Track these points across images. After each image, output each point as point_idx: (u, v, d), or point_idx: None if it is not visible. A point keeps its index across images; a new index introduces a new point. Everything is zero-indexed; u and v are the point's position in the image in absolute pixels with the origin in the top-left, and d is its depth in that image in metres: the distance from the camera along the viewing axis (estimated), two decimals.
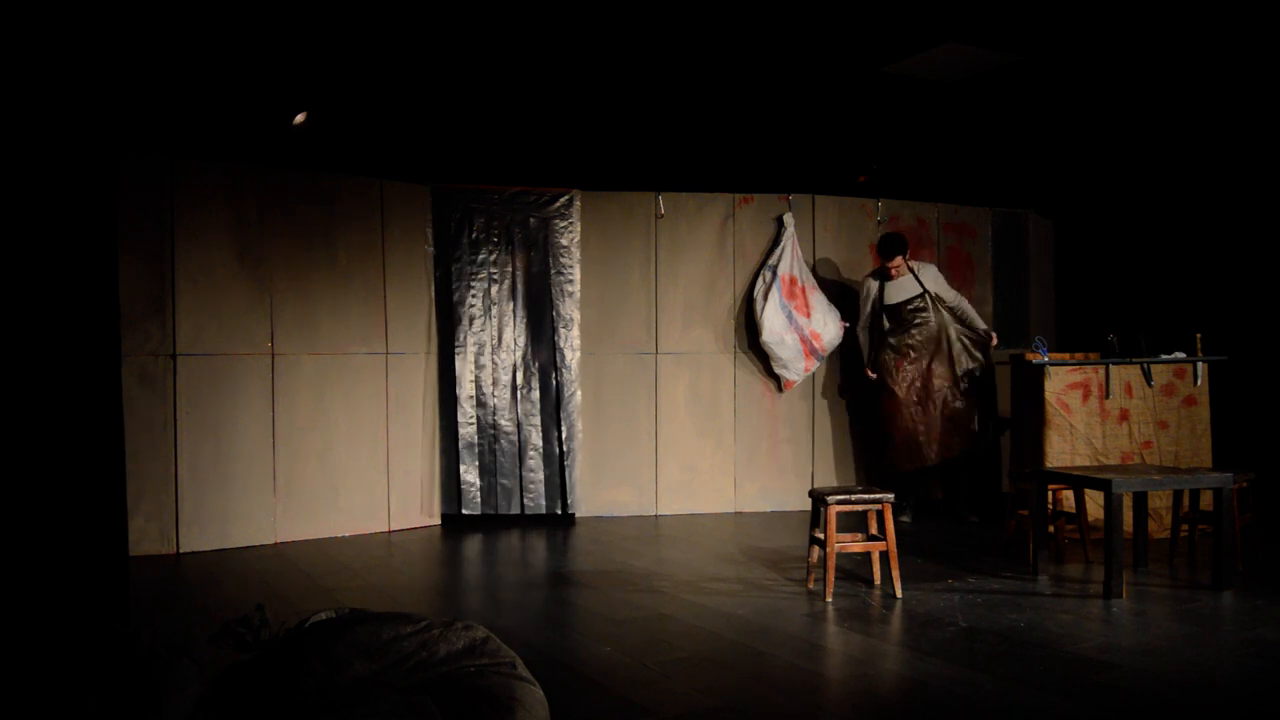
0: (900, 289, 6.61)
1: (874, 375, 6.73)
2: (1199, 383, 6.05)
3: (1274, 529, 5.92)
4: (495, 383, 6.71)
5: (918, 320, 6.57)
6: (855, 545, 4.72)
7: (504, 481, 6.69)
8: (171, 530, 5.72)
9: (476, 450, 6.65)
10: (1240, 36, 5.78)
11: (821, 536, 4.63)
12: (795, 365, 6.99)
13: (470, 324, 6.66)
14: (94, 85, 3.20)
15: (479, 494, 6.65)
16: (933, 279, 6.65)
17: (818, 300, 7.00)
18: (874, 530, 4.80)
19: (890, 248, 6.54)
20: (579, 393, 6.84)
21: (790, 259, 7.03)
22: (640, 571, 5.22)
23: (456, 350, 6.63)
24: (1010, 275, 7.85)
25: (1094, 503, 5.53)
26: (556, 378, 6.78)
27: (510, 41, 5.87)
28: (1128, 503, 5.19)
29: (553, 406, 6.78)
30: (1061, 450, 5.88)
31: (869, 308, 6.73)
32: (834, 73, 6.52)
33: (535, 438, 6.73)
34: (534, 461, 6.75)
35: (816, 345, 6.97)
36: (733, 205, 7.14)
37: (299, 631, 2.66)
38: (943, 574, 5.05)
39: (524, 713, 2.53)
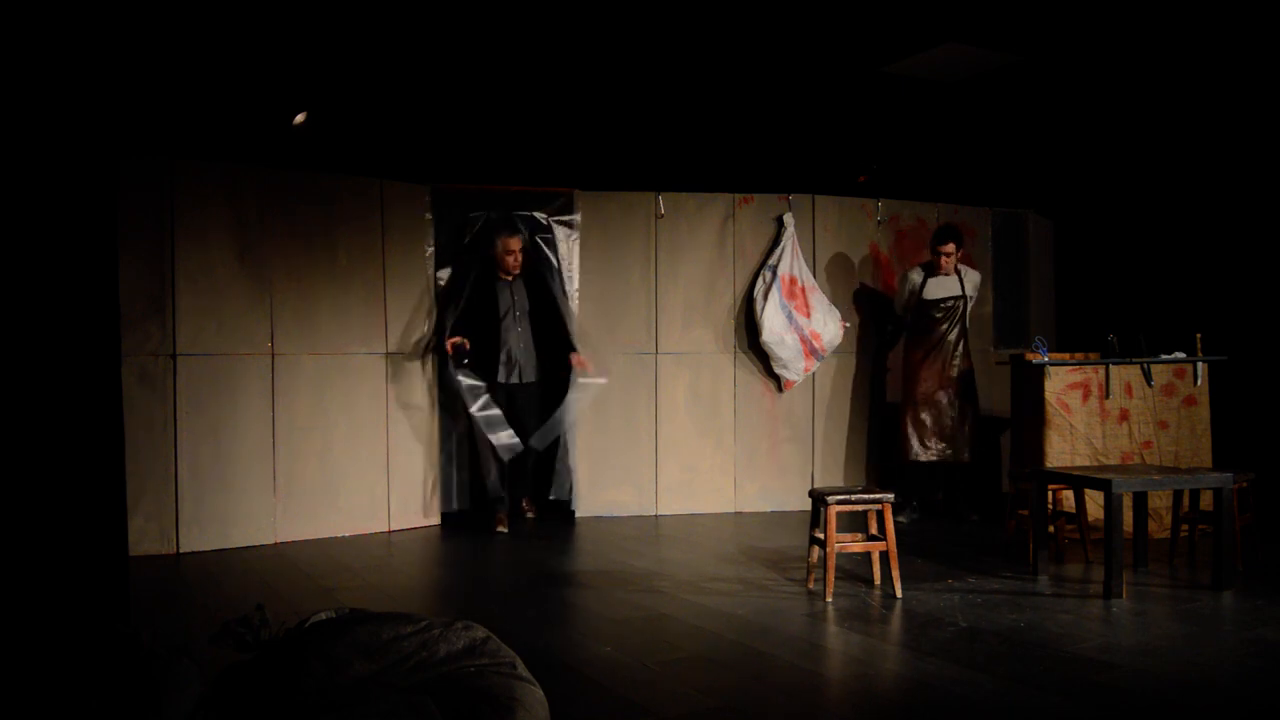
0: (942, 286, 6.63)
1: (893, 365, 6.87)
2: (1199, 383, 6.05)
3: (1274, 529, 5.92)
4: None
5: (948, 320, 6.60)
6: (855, 545, 4.72)
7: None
8: (171, 530, 5.72)
9: (476, 450, 6.64)
10: (1240, 36, 5.78)
11: (821, 536, 4.63)
12: (795, 365, 7.00)
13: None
14: (94, 85, 3.20)
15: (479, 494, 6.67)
16: (974, 286, 6.73)
17: (818, 300, 7.01)
18: (874, 530, 4.80)
19: (944, 235, 6.58)
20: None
21: (790, 259, 7.03)
22: (640, 571, 5.22)
23: None
24: (1010, 275, 7.85)
25: (1094, 503, 5.53)
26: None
27: (510, 41, 5.87)
28: (1128, 503, 5.18)
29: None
30: (1061, 450, 5.88)
31: (908, 299, 6.73)
32: (834, 73, 6.52)
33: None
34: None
35: (816, 345, 6.97)
36: (733, 205, 7.14)
37: (299, 631, 2.66)
38: (943, 574, 5.05)
39: (524, 713, 2.53)
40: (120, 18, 3.87)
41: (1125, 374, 5.97)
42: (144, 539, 5.60)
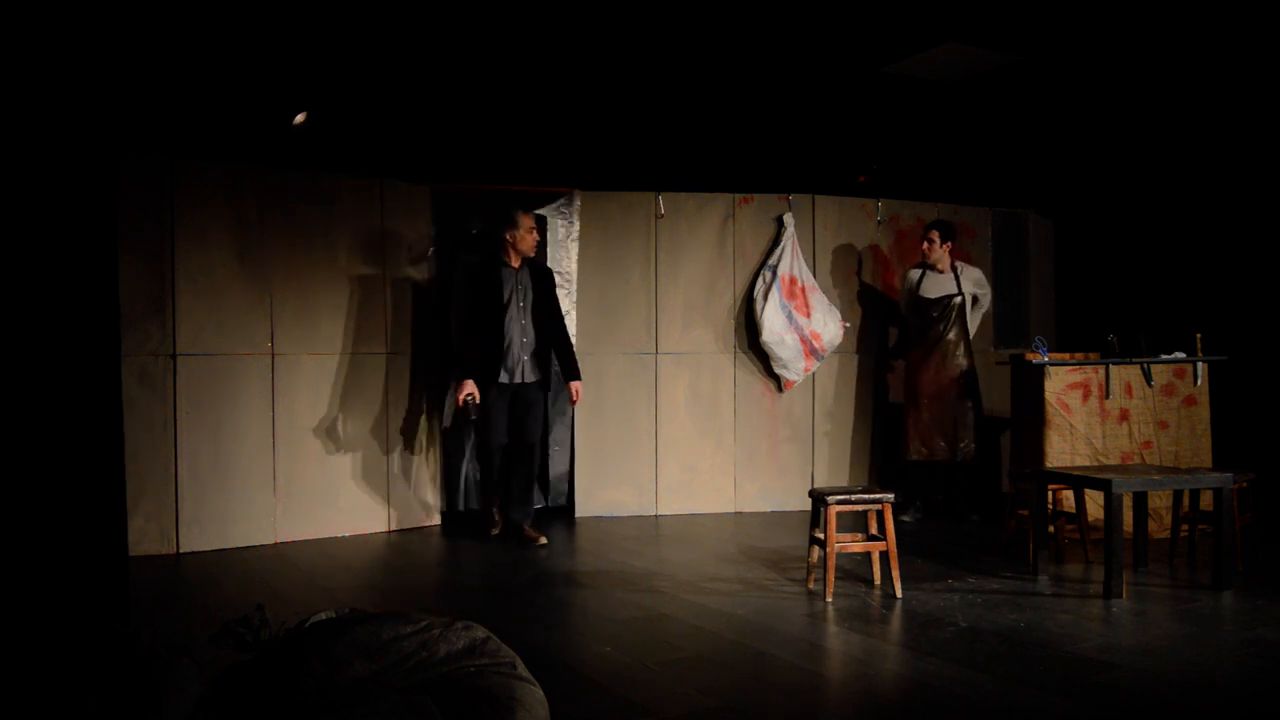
0: (938, 284, 6.66)
1: (896, 364, 6.89)
2: (1199, 383, 6.05)
3: (1274, 529, 5.92)
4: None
5: (945, 319, 6.60)
6: (855, 545, 4.72)
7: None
8: (171, 530, 5.72)
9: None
10: (1240, 37, 5.78)
11: (821, 536, 4.63)
12: (795, 365, 7.00)
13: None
14: (94, 85, 3.20)
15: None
16: (974, 283, 6.74)
17: (818, 300, 7.01)
18: (874, 530, 4.80)
19: (929, 225, 6.67)
20: None
21: (790, 259, 7.03)
22: (640, 571, 5.22)
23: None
24: (1010, 275, 7.85)
25: (1094, 503, 5.53)
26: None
27: (510, 41, 5.87)
28: (1128, 503, 5.18)
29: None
30: (1061, 450, 5.88)
31: (908, 298, 6.79)
32: (834, 73, 6.52)
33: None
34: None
35: (816, 345, 6.97)
36: (733, 205, 7.14)
37: (299, 631, 2.66)
38: (943, 574, 5.05)
39: (524, 713, 2.53)
40: (120, 18, 3.87)
41: (1125, 374, 5.97)
42: (144, 539, 5.60)
